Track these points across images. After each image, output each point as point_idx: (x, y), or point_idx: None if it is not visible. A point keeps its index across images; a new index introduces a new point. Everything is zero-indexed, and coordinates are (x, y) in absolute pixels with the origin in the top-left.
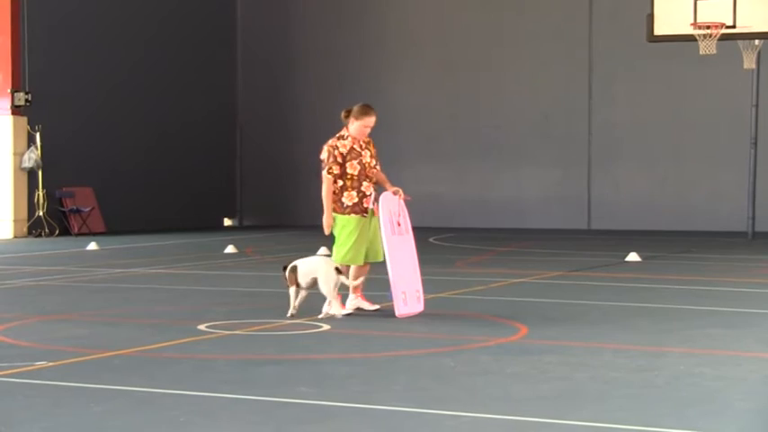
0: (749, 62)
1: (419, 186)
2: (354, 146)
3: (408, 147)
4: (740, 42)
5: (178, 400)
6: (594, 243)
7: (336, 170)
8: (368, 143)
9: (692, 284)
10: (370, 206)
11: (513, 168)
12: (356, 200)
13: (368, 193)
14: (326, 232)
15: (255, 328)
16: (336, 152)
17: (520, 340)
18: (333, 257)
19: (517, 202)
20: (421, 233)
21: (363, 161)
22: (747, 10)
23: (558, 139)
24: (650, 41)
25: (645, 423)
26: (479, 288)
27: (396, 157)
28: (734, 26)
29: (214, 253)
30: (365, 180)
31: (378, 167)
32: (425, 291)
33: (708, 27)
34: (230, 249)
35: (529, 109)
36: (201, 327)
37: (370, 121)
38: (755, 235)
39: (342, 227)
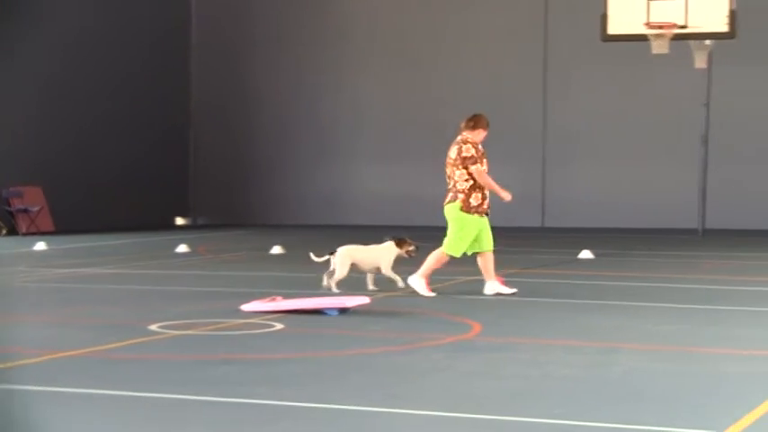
0: (700, 62)
1: (374, 183)
2: None
3: (365, 142)
4: (692, 42)
5: (130, 402)
6: (548, 241)
7: (485, 165)
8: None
9: (643, 281)
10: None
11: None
12: (480, 201)
13: (487, 195)
14: (509, 198)
15: (208, 328)
16: (480, 147)
17: (473, 338)
18: (446, 248)
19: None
20: (374, 231)
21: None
22: (699, 10)
23: (513, 138)
24: (604, 41)
25: (597, 419)
26: (433, 286)
27: (356, 153)
28: (686, 26)
29: (166, 252)
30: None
31: None
32: (379, 290)
33: (660, 27)
34: (183, 248)
35: (486, 106)
36: (153, 327)
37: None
38: (705, 232)
39: (464, 223)
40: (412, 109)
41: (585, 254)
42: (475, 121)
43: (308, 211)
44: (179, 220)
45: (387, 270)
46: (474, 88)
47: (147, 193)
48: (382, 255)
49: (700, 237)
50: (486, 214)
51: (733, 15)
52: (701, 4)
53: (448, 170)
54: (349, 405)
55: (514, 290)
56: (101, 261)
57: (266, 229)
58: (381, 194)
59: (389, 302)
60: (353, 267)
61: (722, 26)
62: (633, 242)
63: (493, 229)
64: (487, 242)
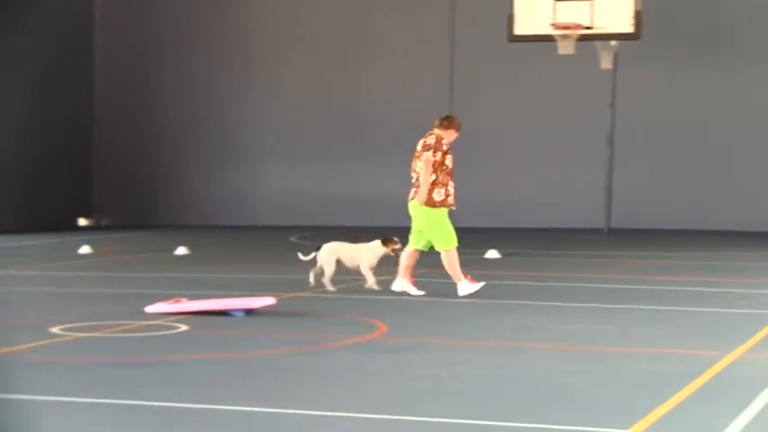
0: (606, 62)
1: (280, 184)
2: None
3: (268, 142)
4: (597, 43)
5: (30, 406)
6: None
7: (439, 157)
8: None
9: (550, 281)
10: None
11: (380, 167)
12: (443, 197)
13: (451, 192)
14: (420, 202)
15: (111, 330)
16: (444, 141)
17: (380, 338)
18: (441, 247)
19: (384, 200)
20: (283, 232)
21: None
22: (604, 11)
23: (420, 137)
24: (511, 41)
25: (505, 419)
26: (341, 287)
27: (265, 153)
28: (591, 27)
29: (69, 254)
30: (452, 179)
31: None
32: (286, 290)
33: (566, 28)
34: (85, 250)
35: (393, 107)
36: (55, 329)
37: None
38: (611, 231)
39: (433, 218)
40: (321, 108)
41: (492, 253)
42: (449, 121)
43: (216, 211)
44: (82, 221)
45: (364, 267)
46: (382, 89)
47: (51, 194)
48: (364, 253)
49: (605, 236)
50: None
51: (638, 16)
52: (606, 6)
53: (413, 164)
54: (255, 407)
55: (422, 292)
56: (1, 263)
57: (171, 229)
58: (290, 194)
59: (296, 303)
60: (339, 264)
61: (627, 27)
62: (540, 242)
63: (400, 229)
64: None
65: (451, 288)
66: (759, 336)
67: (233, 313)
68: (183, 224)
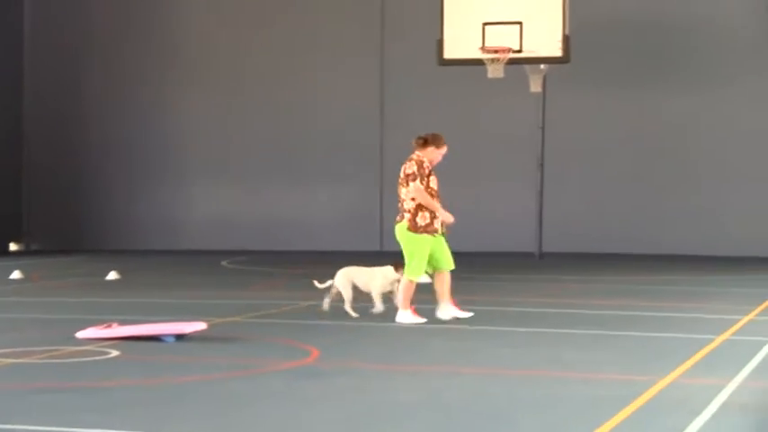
0: (536, 86)
1: (209, 207)
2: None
3: (197, 166)
4: (527, 66)
5: None
6: (385, 264)
7: (425, 182)
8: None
9: (483, 305)
10: (439, 226)
11: (304, 189)
12: (428, 221)
13: (437, 215)
14: (452, 220)
15: (42, 356)
16: (426, 165)
17: (312, 363)
18: (407, 274)
19: (309, 224)
20: (213, 256)
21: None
22: (533, 35)
23: (350, 160)
24: (441, 65)
25: None
26: (272, 311)
27: (184, 178)
28: (521, 51)
29: None
30: (437, 201)
31: None
32: (217, 315)
33: (496, 51)
34: (16, 275)
35: (323, 130)
36: None
37: (445, 149)
38: (543, 255)
39: (414, 244)
40: (252, 131)
41: (423, 278)
42: (425, 139)
43: (147, 236)
44: (12, 246)
45: (375, 292)
46: (311, 111)
47: None
48: (376, 277)
49: (537, 260)
50: (443, 234)
51: (566, 40)
52: (535, 29)
53: (398, 189)
54: None
55: (471, 313)
56: None
57: (102, 254)
58: (220, 219)
59: (228, 328)
60: (354, 289)
61: (556, 51)
62: (471, 266)
63: (330, 253)
64: (444, 261)
65: (385, 313)
66: (693, 360)
67: (164, 338)
68: (114, 249)
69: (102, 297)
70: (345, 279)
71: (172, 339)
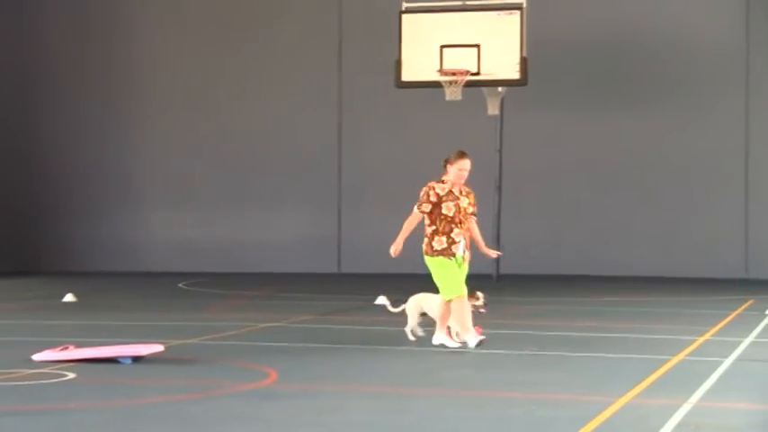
0: (493, 108)
1: (168, 230)
2: (453, 190)
3: (156, 188)
4: (485, 89)
5: None
6: (344, 286)
7: (427, 208)
8: (468, 193)
9: None
10: (459, 253)
11: (263, 211)
12: (445, 245)
13: (457, 240)
14: (392, 254)
15: None
16: (432, 192)
17: (270, 385)
18: (442, 296)
19: (267, 246)
20: (171, 278)
21: (460, 205)
22: (491, 58)
23: (309, 182)
24: (399, 87)
25: None
26: (231, 333)
27: (143, 200)
28: (478, 73)
29: None
30: (456, 226)
31: (474, 218)
32: (175, 337)
33: (453, 74)
34: None
35: (282, 152)
36: None
37: (466, 164)
38: (500, 277)
39: (435, 267)
40: (211, 154)
41: (381, 299)
42: (446, 160)
43: (103, 257)
44: None
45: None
46: (271, 133)
47: None
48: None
49: (494, 282)
50: (463, 259)
51: (524, 63)
52: (493, 52)
53: None
54: None
55: (459, 344)
56: None
57: (59, 276)
58: (177, 241)
59: (185, 350)
60: (424, 316)
61: (514, 73)
62: (427, 289)
63: (289, 274)
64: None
65: (339, 334)
66: (649, 380)
67: (121, 360)
68: (70, 270)
69: (58, 319)
70: (415, 306)
71: (129, 361)
